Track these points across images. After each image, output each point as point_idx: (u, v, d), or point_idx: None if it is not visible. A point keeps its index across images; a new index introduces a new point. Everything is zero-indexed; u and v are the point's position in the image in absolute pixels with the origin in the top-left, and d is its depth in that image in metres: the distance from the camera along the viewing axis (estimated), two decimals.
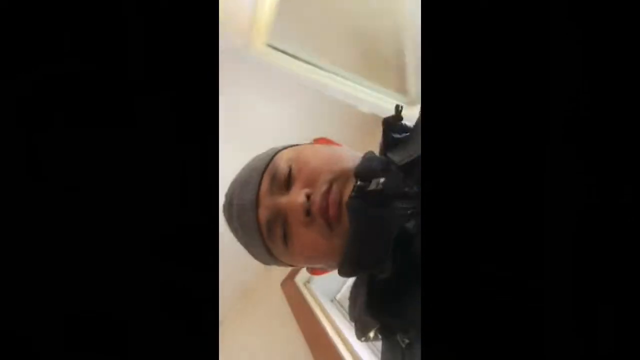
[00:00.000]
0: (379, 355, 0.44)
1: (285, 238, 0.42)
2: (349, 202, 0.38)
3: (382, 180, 0.38)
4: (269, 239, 0.44)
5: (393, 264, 0.37)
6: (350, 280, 0.47)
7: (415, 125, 0.46)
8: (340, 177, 0.40)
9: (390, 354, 0.41)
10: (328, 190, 0.39)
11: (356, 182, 0.39)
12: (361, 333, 0.42)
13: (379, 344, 0.44)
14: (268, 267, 0.52)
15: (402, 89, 1.27)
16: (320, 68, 1.19)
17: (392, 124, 0.46)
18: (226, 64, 1.19)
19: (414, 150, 0.40)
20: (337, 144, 0.53)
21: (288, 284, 1.50)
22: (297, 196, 0.40)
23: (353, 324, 0.44)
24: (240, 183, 0.47)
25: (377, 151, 0.47)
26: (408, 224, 0.37)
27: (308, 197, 0.40)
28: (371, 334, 0.41)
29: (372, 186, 0.38)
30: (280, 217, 0.42)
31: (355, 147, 0.47)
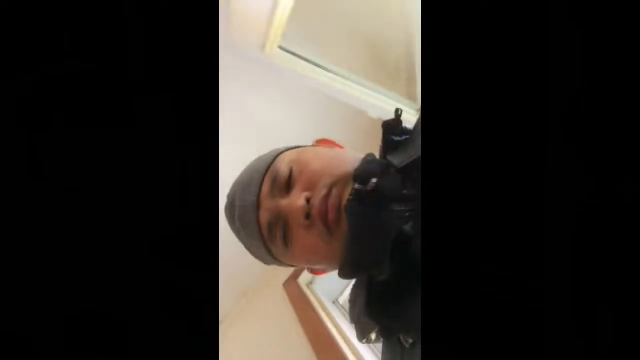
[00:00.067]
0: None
1: (286, 240, 0.43)
2: (346, 205, 0.38)
3: (380, 184, 0.38)
4: (270, 240, 0.44)
5: (391, 266, 0.37)
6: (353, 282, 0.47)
7: (415, 127, 0.46)
8: (340, 181, 0.40)
9: (389, 355, 0.41)
10: (327, 194, 0.40)
11: (354, 184, 0.39)
12: (362, 334, 0.42)
13: (380, 346, 0.44)
14: (270, 268, 0.53)
15: (412, 96, 1.27)
16: (332, 72, 1.21)
17: (391, 127, 0.46)
18: (238, 64, 1.21)
19: (414, 152, 0.41)
20: (339, 146, 0.54)
21: (290, 284, 1.50)
22: (297, 199, 0.41)
23: (353, 325, 0.44)
24: (242, 184, 0.47)
25: (377, 154, 0.47)
26: (406, 225, 0.37)
27: (308, 200, 0.40)
28: (372, 336, 0.41)
29: (370, 189, 0.38)
30: (280, 220, 0.42)
31: (363, 151, 0.47)
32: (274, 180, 0.44)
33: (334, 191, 0.40)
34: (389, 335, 0.41)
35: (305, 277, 1.49)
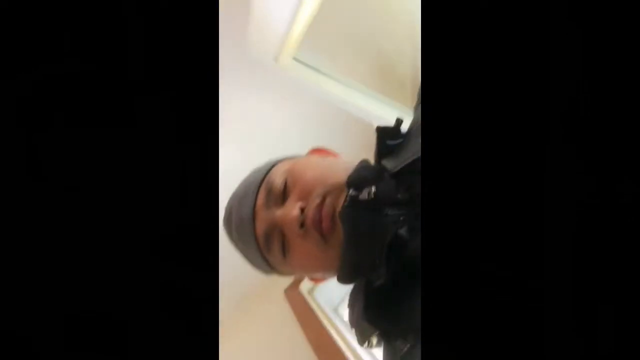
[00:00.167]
0: None
1: (284, 250, 0.43)
2: (341, 212, 0.39)
3: (374, 189, 0.39)
4: (267, 251, 0.45)
5: (388, 270, 0.38)
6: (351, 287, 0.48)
7: (409, 131, 0.47)
8: (333, 190, 0.41)
9: (389, 358, 0.41)
10: (321, 203, 0.40)
11: (348, 191, 0.39)
12: (362, 339, 0.42)
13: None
14: (271, 276, 0.54)
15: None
16: (342, 83, 1.23)
17: (386, 132, 0.47)
18: (251, 72, 1.22)
19: (408, 155, 0.41)
20: (333, 154, 0.54)
21: (292, 292, 1.50)
22: (292, 209, 0.41)
23: (353, 330, 0.45)
24: (238, 197, 0.48)
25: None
26: (401, 229, 0.38)
27: (302, 210, 0.41)
28: (373, 340, 0.41)
29: (364, 195, 0.39)
30: (276, 230, 0.43)
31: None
32: (269, 191, 0.44)
33: (328, 200, 0.41)
34: (388, 339, 0.41)
35: (306, 284, 1.49)
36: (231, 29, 1.05)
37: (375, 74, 1.23)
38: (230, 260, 0.58)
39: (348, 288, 0.46)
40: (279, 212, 0.43)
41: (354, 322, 0.43)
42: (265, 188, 0.45)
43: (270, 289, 1.62)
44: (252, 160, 0.55)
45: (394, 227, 0.38)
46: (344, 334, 1.15)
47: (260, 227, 0.44)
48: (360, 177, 0.41)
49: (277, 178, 0.45)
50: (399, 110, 1.25)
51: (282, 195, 0.44)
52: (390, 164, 0.43)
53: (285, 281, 1.56)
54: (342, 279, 0.43)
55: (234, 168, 0.65)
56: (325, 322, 1.24)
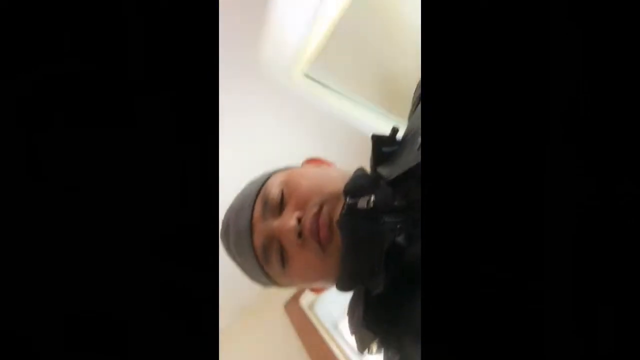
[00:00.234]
0: None
1: (283, 260, 0.44)
2: (339, 221, 0.39)
3: (372, 198, 0.39)
4: (266, 262, 0.45)
5: (386, 278, 0.38)
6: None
7: (404, 138, 0.47)
8: (330, 199, 0.41)
9: None
10: (318, 213, 0.41)
11: (345, 199, 0.39)
12: (362, 346, 0.43)
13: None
14: (271, 289, 0.54)
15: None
16: (351, 100, 1.24)
17: (382, 140, 0.47)
18: (263, 88, 1.24)
19: (404, 163, 0.41)
20: (328, 164, 0.54)
21: (292, 306, 1.49)
22: (289, 220, 0.41)
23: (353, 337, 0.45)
24: (235, 210, 0.49)
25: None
26: (399, 237, 0.38)
27: (299, 220, 0.41)
28: (374, 348, 0.41)
29: (362, 203, 0.39)
30: (274, 241, 0.43)
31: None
32: (266, 203, 0.45)
33: (325, 209, 0.41)
34: (388, 346, 0.41)
35: (306, 298, 1.49)
36: (233, 36, 1.06)
37: (382, 92, 1.25)
38: (230, 273, 0.58)
39: (348, 301, 0.46)
40: (276, 223, 0.43)
41: (354, 330, 0.43)
42: (262, 200, 0.45)
43: (270, 303, 1.62)
44: (252, 168, 0.55)
45: (392, 234, 0.38)
46: (344, 349, 1.15)
47: (258, 239, 0.44)
48: (357, 185, 0.41)
49: (274, 189, 0.45)
50: (404, 126, 1.27)
51: (279, 206, 0.44)
52: (386, 172, 0.43)
53: (285, 295, 1.56)
54: (341, 287, 0.43)
55: (233, 175, 0.65)
56: (325, 336, 1.24)
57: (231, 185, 0.54)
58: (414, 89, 0.55)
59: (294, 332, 1.36)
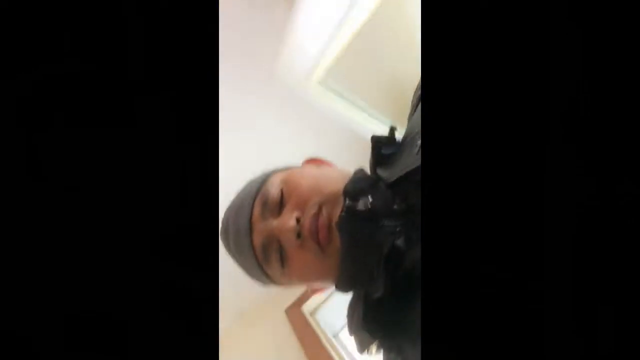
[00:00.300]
0: None
1: (282, 260, 0.43)
2: (338, 222, 0.39)
3: (370, 200, 0.39)
4: (265, 262, 0.45)
5: (386, 281, 0.38)
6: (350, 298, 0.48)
7: (404, 139, 0.47)
8: (329, 200, 0.41)
9: None
10: (317, 213, 0.41)
11: (345, 201, 0.39)
12: (361, 347, 0.43)
13: None
14: (273, 294, 0.54)
15: None
16: (362, 109, 1.26)
17: (381, 142, 0.47)
18: (276, 93, 1.25)
19: (404, 165, 0.41)
20: (328, 164, 0.54)
21: (294, 312, 1.49)
22: (288, 220, 0.41)
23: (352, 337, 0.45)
24: (234, 210, 0.48)
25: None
26: (398, 240, 0.38)
27: (298, 220, 0.41)
28: (373, 349, 0.41)
29: (361, 205, 0.39)
30: (274, 241, 0.43)
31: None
32: (265, 202, 0.45)
33: (324, 209, 0.41)
34: (387, 348, 0.41)
35: (308, 304, 1.48)
36: (234, 41, 1.07)
37: (393, 103, 1.26)
38: (230, 277, 0.58)
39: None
40: (275, 223, 0.43)
41: (353, 331, 0.43)
42: (261, 199, 0.45)
43: (271, 308, 1.62)
44: (252, 168, 0.55)
45: (391, 238, 0.38)
46: (343, 357, 1.15)
47: (258, 238, 0.44)
48: (357, 187, 0.41)
49: (273, 188, 0.45)
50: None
51: (279, 206, 0.44)
52: (385, 174, 0.43)
53: (287, 300, 1.56)
54: (341, 288, 0.43)
55: (233, 175, 0.64)
56: (325, 343, 1.23)
57: (231, 185, 0.54)
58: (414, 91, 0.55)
59: (294, 338, 1.36)
